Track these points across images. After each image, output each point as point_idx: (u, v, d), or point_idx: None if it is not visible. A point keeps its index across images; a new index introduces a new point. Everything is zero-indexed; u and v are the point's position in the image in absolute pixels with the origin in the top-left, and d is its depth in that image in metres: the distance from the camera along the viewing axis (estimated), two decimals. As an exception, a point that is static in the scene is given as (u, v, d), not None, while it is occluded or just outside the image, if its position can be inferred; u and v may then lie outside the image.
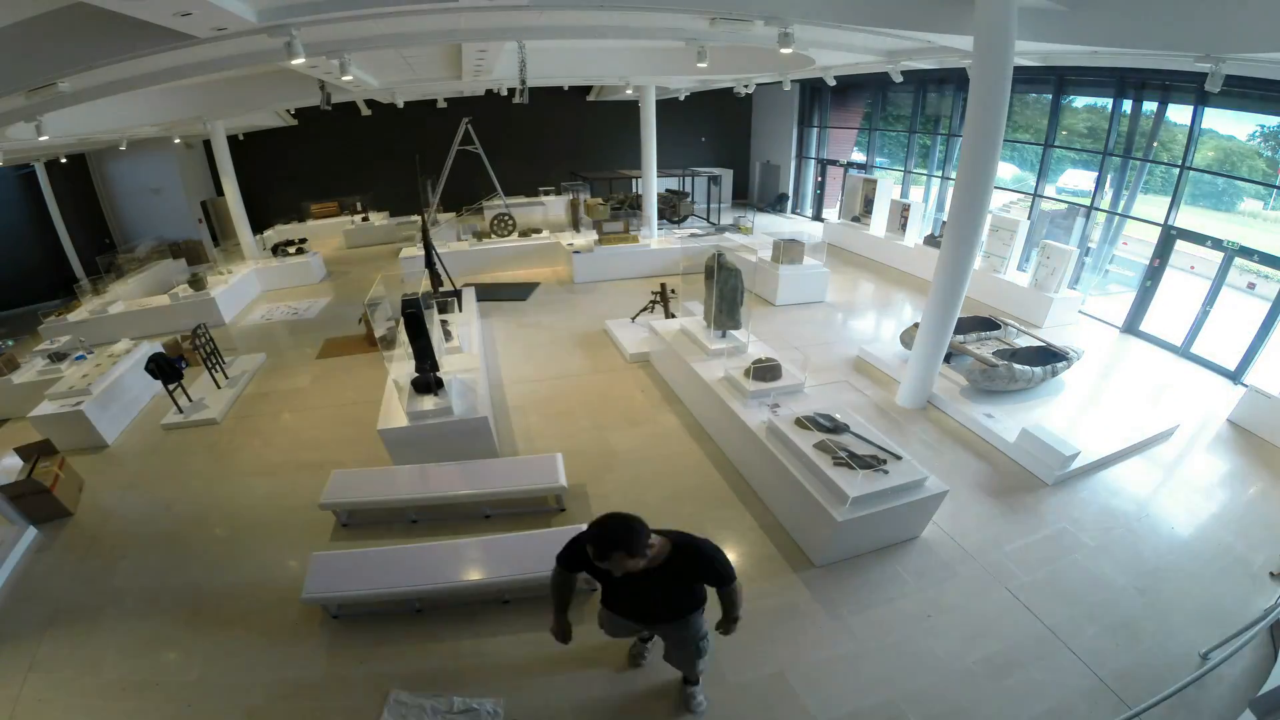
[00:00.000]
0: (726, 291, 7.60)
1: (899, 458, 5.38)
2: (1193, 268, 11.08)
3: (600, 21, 7.52)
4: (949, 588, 5.10)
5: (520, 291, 12.59)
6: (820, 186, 19.63)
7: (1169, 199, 9.57)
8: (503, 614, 4.91)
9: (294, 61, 5.53)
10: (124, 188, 17.45)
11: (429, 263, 10.01)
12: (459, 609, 4.95)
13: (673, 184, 19.93)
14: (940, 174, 14.92)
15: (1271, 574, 5.23)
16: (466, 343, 8.57)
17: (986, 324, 9.16)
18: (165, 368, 7.83)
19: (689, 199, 18.93)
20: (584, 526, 3.29)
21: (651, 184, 16.00)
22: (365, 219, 18.41)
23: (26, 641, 4.84)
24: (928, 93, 15.14)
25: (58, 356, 8.74)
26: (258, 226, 16.60)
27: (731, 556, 5.48)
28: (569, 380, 8.91)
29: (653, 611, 3.52)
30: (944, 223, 8.55)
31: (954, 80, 13.67)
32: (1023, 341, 8.76)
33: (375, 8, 5.16)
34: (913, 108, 15.61)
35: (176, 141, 16.01)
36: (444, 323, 8.71)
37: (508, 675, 4.45)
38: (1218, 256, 8.77)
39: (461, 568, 4.97)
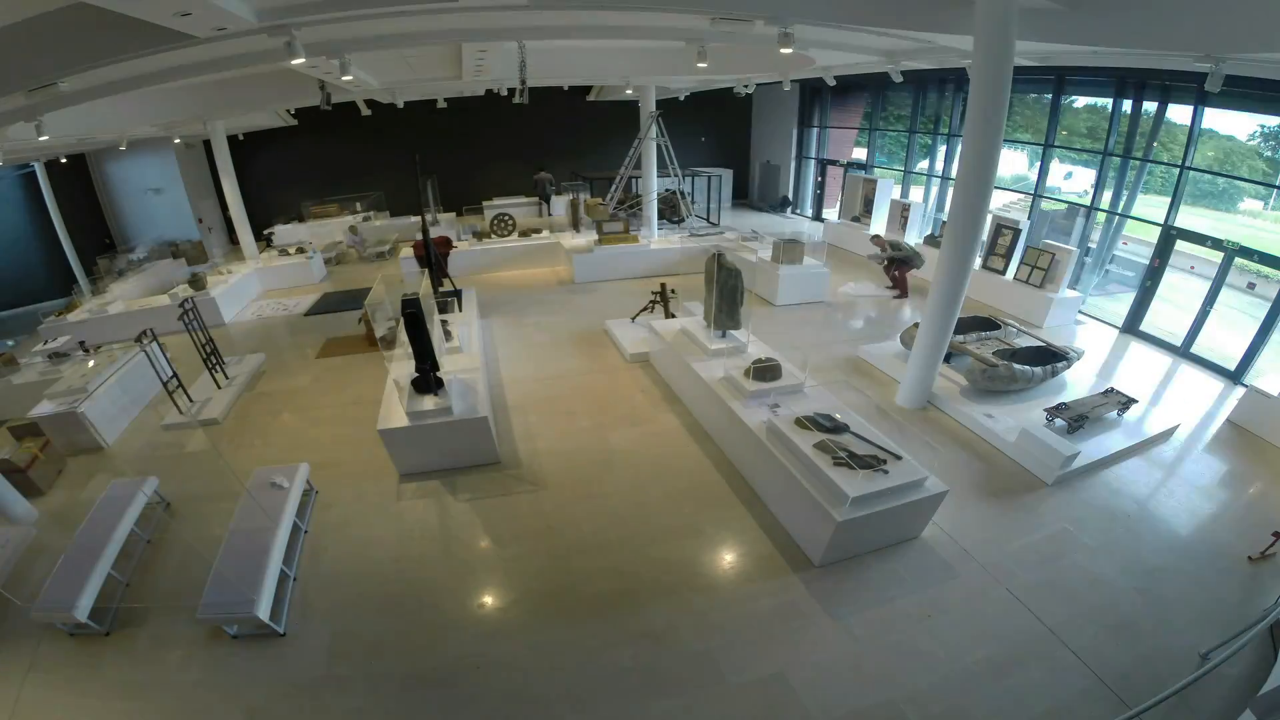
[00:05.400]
0: (726, 291, 7.60)
1: (899, 458, 5.38)
2: (1192, 268, 11.07)
3: (600, 21, 7.52)
4: (949, 588, 5.11)
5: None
6: (820, 186, 19.63)
7: (1169, 199, 9.57)
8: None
9: (294, 61, 5.53)
10: (124, 188, 17.44)
11: (429, 262, 10.00)
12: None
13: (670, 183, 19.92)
14: (940, 174, 14.92)
15: (1250, 558, 5.28)
16: (466, 343, 8.57)
17: (986, 324, 9.16)
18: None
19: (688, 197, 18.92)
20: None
21: (652, 184, 16.00)
22: (366, 219, 18.41)
23: (26, 641, 4.84)
24: (928, 93, 15.14)
25: (58, 356, 8.74)
26: (258, 227, 16.59)
27: (731, 556, 5.54)
28: (569, 380, 8.90)
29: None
30: (944, 223, 8.55)
31: (954, 80, 13.67)
32: (1023, 341, 8.76)
33: (375, 8, 5.16)
34: (913, 108, 15.61)
35: (176, 141, 15.99)
36: (444, 323, 8.71)
37: (507, 674, 4.46)
38: (1218, 256, 8.78)
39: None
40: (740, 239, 14.13)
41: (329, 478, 6.74)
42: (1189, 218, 9.71)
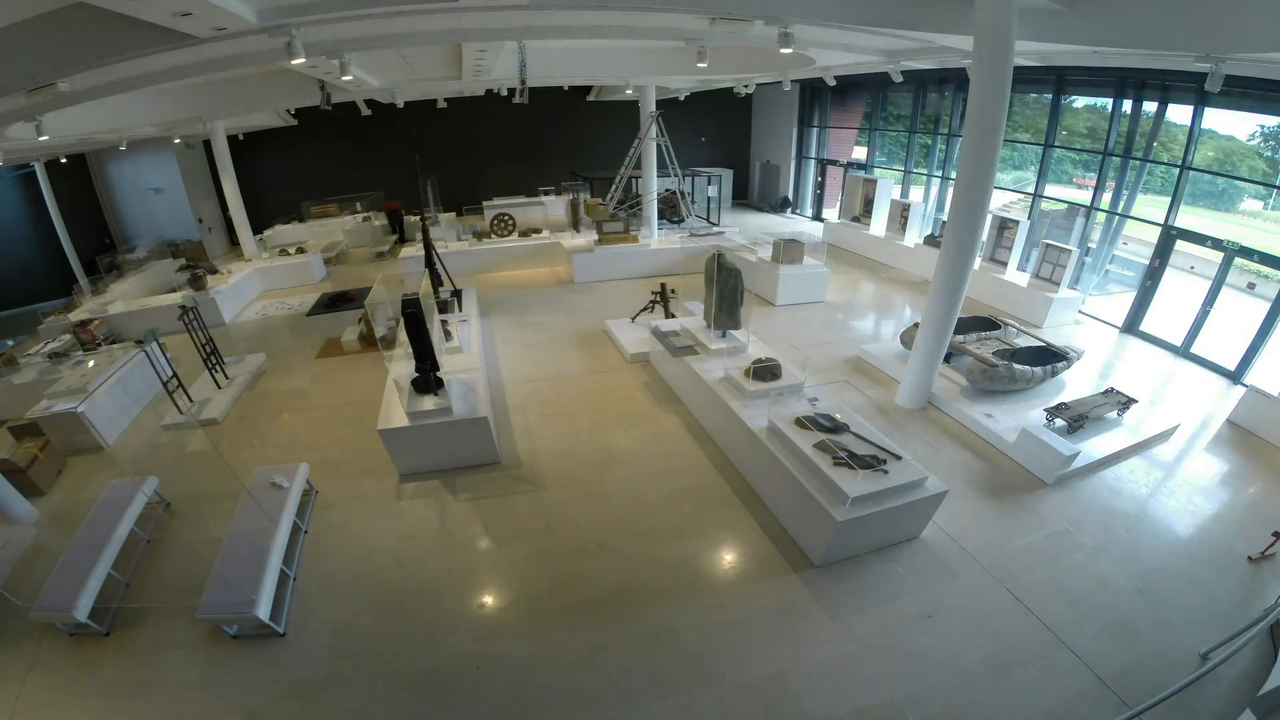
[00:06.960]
0: (726, 291, 7.60)
1: (899, 458, 5.38)
2: (1192, 268, 11.08)
3: (600, 21, 7.52)
4: (949, 588, 5.10)
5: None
6: (820, 186, 19.64)
7: (1169, 199, 9.57)
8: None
9: (294, 61, 5.53)
10: (124, 188, 17.43)
11: (429, 262, 10.00)
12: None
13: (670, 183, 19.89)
14: (940, 174, 14.92)
15: (1249, 558, 5.29)
16: (466, 343, 8.57)
17: (986, 324, 9.16)
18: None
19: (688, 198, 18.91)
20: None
21: (652, 184, 16.00)
22: (366, 219, 18.41)
23: (26, 641, 4.84)
24: (928, 93, 15.13)
25: (57, 356, 8.74)
26: (258, 227, 16.59)
27: (731, 556, 5.55)
28: (569, 380, 8.90)
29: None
30: (944, 223, 8.55)
31: (954, 80, 13.67)
32: (1023, 341, 8.76)
33: (375, 8, 5.16)
34: (913, 108, 15.60)
35: (176, 141, 16.00)
36: (444, 323, 8.71)
37: (507, 674, 4.46)
38: (1218, 256, 8.77)
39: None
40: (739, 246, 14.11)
41: (329, 478, 6.74)
42: (1189, 218, 9.71)
